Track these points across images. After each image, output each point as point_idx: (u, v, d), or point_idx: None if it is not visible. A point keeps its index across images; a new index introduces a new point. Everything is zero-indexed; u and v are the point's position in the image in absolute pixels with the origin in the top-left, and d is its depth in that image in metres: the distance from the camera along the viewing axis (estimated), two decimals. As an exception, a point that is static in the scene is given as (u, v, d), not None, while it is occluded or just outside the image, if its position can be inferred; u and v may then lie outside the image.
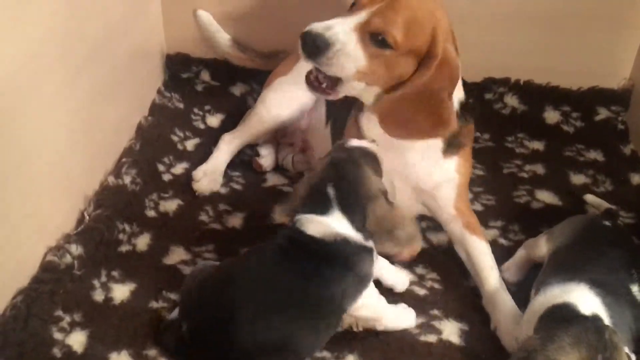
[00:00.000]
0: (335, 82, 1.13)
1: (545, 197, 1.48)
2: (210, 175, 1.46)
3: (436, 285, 1.23)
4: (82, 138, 1.30)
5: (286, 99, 1.49)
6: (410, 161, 1.21)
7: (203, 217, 1.38)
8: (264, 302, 0.98)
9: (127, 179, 1.39)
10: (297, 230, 1.01)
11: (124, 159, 1.45)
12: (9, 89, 1.03)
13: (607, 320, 0.95)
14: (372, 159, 1.06)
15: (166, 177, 1.48)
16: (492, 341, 1.13)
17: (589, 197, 1.41)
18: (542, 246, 1.19)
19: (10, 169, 1.06)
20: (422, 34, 1.09)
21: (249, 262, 1.05)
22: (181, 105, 1.71)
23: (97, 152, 1.38)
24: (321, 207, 1.01)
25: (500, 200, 1.46)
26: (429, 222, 1.36)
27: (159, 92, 1.72)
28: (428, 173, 1.22)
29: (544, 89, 1.72)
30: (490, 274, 1.20)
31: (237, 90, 1.76)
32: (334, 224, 1.00)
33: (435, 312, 1.18)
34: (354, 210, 1.01)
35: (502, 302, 1.15)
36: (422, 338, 1.12)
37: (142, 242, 1.29)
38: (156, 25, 1.73)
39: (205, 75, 1.78)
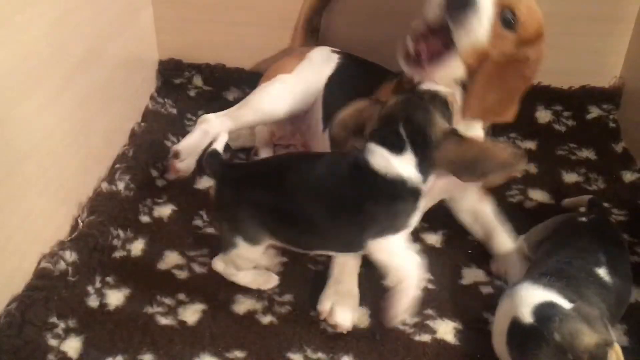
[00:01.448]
0: (439, 55, 1.11)
1: (538, 196, 1.48)
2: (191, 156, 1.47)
3: (430, 285, 1.24)
4: (75, 144, 1.30)
5: (283, 97, 1.47)
6: None
7: (197, 222, 1.38)
8: (316, 190, 1.06)
9: (121, 185, 1.39)
10: (363, 158, 1.05)
11: (117, 165, 1.45)
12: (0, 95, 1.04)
13: (558, 298, 0.98)
14: (441, 102, 1.08)
15: (160, 183, 1.48)
16: (487, 340, 1.13)
17: (566, 202, 1.42)
18: (523, 247, 1.25)
19: (2, 176, 1.06)
20: (536, 25, 1.15)
21: (310, 164, 1.10)
22: (174, 111, 1.71)
23: (90, 159, 1.39)
24: (394, 144, 1.04)
25: (494, 200, 1.45)
26: (423, 223, 1.36)
27: (152, 98, 1.72)
28: None
29: (535, 89, 1.72)
30: (503, 229, 1.29)
31: (230, 95, 1.77)
32: (400, 164, 1.04)
33: (430, 311, 1.18)
34: (424, 153, 1.04)
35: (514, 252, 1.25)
36: (417, 338, 1.13)
37: (137, 247, 1.30)
38: (148, 31, 1.73)
39: (198, 81, 1.78)
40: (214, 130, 1.45)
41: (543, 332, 0.93)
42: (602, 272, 1.06)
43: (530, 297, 0.99)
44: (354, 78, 1.46)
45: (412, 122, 1.04)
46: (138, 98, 1.68)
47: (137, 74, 1.68)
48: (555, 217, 1.26)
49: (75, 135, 1.30)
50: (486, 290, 1.23)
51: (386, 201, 1.04)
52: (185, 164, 1.47)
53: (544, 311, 0.96)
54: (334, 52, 1.54)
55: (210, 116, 1.49)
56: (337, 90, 1.46)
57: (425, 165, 1.04)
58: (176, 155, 1.45)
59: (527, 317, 0.96)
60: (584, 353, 0.89)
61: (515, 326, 0.98)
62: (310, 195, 1.06)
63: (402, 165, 1.04)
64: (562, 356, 0.91)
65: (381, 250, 1.05)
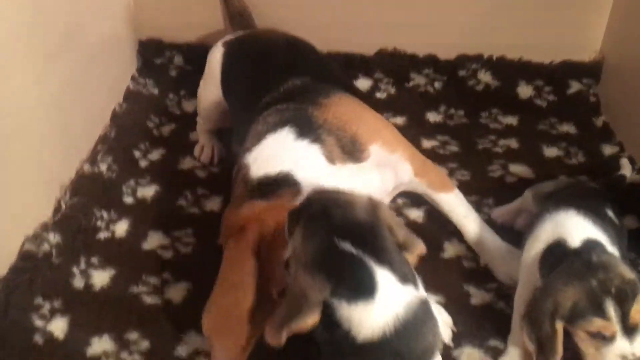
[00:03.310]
0: None
1: (519, 170, 1.50)
2: None
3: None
4: (56, 127, 1.29)
5: (208, 98, 1.50)
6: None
7: (181, 202, 1.38)
8: None
9: (103, 167, 1.39)
10: None
11: (99, 147, 1.45)
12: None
13: (601, 236, 0.99)
14: None
15: (143, 164, 1.48)
16: (469, 314, 1.15)
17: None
18: (528, 197, 1.25)
19: (-18, 159, 1.06)
20: None
21: None
22: (156, 91, 1.70)
23: (72, 141, 1.38)
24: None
25: (475, 175, 1.47)
26: (404, 199, 1.38)
27: (132, 78, 1.71)
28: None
29: (517, 64, 1.74)
30: (467, 222, 1.25)
31: (212, 74, 1.76)
32: None
33: (413, 286, 1.20)
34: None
35: (488, 242, 1.22)
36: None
37: (121, 228, 1.30)
38: (127, 11, 1.71)
39: (179, 60, 1.77)
40: None
41: (583, 253, 0.94)
42: (611, 213, 1.10)
43: (582, 228, 1.01)
44: (239, 70, 1.43)
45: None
46: (119, 79, 1.66)
47: (117, 55, 1.66)
48: (564, 178, 1.30)
49: (56, 117, 1.30)
50: (468, 264, 1.25)
51: None
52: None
53: (591, 244, 0.98)
54: (223, 43, 1.49)
55: None
56: (229, 86, 1.44)
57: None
58: None
59: (575, 242, 0.98)
60: (617, 277, 0.89)
61: (557, 247, 0.99)
62: None
63: None
64: (592, 274, 0.89)
65: None
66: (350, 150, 1.10)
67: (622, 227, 1.13)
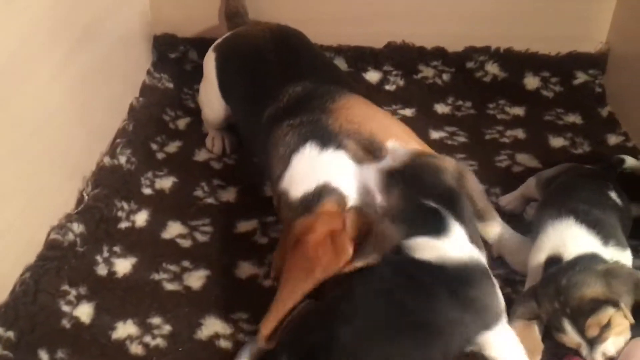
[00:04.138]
0: None
1: (526, 160, 1.53)
2: None
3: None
4: (77, 121, 1.34)
5: (211, 106, 1.54)
6: None
7: (198, 193, 1.43)
8: None
9: (122, 159, 1.44)
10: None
11: (118, 140, 1.49)
12: (4, 76, 1.07)
13: (597, 241, 1.05)
14: None
15: (160, 156, 1.52)
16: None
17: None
18: (531, 186, 1.30)
19: (12, 154, 1.11)
20: None
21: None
22: (171, 85, 1.75)
23: (93, 134, 1.43)
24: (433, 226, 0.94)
25: (482, 165, 1.51)
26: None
27: (148, 73, 1.76)
28: None
29: (524, 56, 1.77)
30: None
31: (225, 68, 1.80)
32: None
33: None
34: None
35: (502, 234, 1.21)
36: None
37: (141, 218, 1.35)
38: (143, 6, 1.76)
39: (193, 55, 1.81)
40: None
41: (559, 274, 1.01)
42: (613, 195, 1.16)
43: (577, 242, 1.05)
44: (234, 77, 1.44)
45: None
46: (135, 73, 1.71)
47: (134, 50, 1.71)
48: (564, 164, 1.33)
49: (77, 111, 1.34)
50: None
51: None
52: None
53: (581, 260, 1.02)
54: (214, 48, 1.51)
55: None
56: (228, 92, 1.46)
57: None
58: None
59: (570, 256, 1.04)
60: (574, 300, 0.97)
61: (555, 260, 1.05)
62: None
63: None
64: (556, 297, 0.99)
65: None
66: (371, 150, 1.11)
67: (627, 206, 1.17)
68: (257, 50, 1.42)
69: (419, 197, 0.96)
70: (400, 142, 1.13)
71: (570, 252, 1.04)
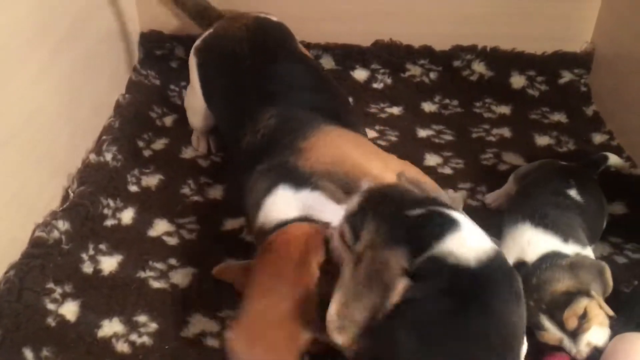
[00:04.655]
0: None
1: (512, 159, 1.55)
2: None
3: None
4: (63, 117, 1.33)
5: (195, 111, 1.53)
6: None
7: (185, 190, 1.42)
8: None
9: (109, 156, 1.43)
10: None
11: (104, 137, 1.48)
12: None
13: (557, 239, 1.07)
14: None
15: (146, 153, 1.52)
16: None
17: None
18: (511, 181, 1.33)
19: (-4, 150, 1.10)
20: None
21: None
22: (157, 82, 1.74)
23: (78, 131, 1.42)
24: None
25: (468, 163, 1.52)
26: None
27: (134, 69, 1.75)
28: None
29: (510, 55, 1.78)
30: None
31: (212, 65, 1.80)
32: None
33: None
34: None
35: None
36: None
37: (127, 216, 1.34)
38: (130, 3, 1.74)
39: (180, 51, 1.80)
40: None
41: (529, 274, 1.03)
42: (573, 193, 1.17)
43: (537, 244, 1.07)
44: (213, 86, 1.40)
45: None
46: (121, 70, 1.70)
47: (120, 46, 1.70)
48: (541, 160, 1.36)
49: (63, 108, 1.34)
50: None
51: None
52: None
53: (545, 259, 1.04)
54: (195, 51, 1.47)
55: None
56: (210, 100, 1.43)
57: None
58: None
59: (532, 259, 1.05)
60: (548, 295, 0.99)
61: (520, 266, 1.06)
62: None
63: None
64: (530, 296, 1.00)
65: None
66: (349, 189, 1.05)
67: (596, 203, 1.18)
68: (234, 57, 1.36)
69: (401, 212, 0.84)
70: (375, 179, 1.03)
71: (531, 256, 1.06)
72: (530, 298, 1.00)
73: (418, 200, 0.86)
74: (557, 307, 0.98)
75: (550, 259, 1.04)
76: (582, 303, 0.98)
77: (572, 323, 0.98)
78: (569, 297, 0.99)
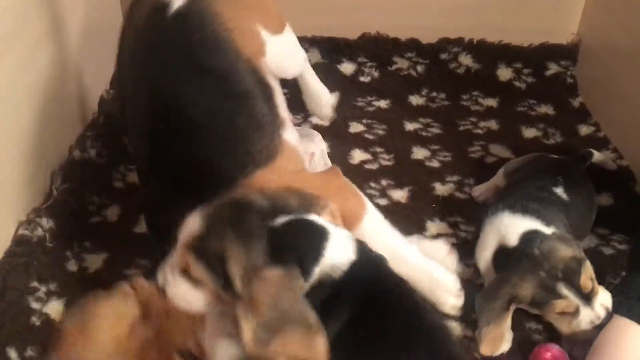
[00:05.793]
0: None
1: (499, 151, 1.55)
2: None
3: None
4: (45, 113, 1.31)
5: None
6: None
7: (171, 186, 1.41)
8: None
9: (93, 152, 1.42)
10: None
11: (88, 133, 1.46)
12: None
13: (538, 222, 1.08)
14: None
15: (131, 149, 1.50)
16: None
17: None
18: (500, 175, 1.34)
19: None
20: None
21: None
22: (142, 77, 1.72)
23: (61, 127, 1.40)
24: None
25: (456, 156, 1.52)
26: (390, 180, 1.42)
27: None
28: None
29: (497, 47, 1.78)
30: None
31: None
32: None
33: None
34: None
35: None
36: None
37: (112, 212, 1.33)
38: (112, -3, 1.73)
39: (165, 46, 1.78)
40: None
41: (525, 250, 1.04)
42: (559, 191, 1.18)
43: (515, 226, 1.08)
44: None
45: None
46: (105, 65, 1.67)
47: (103, 41, 1.67)
48: (532, 154, 1.36)
49: (44, 103, 1.31)
50: (449, 241, 1.29)
51: None
52: None
53: (528, 236, 1.06)
54: None
55: None
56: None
57: None
58: None
59: (513, 241, 1.07)
60: (560, 262, 1.00)
61: (502, 251, 1.08)
62: None
63: None
64: (539, 267, 1.01)
65: None
66: None
67: (576, 202, 1.19)
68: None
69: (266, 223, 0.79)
70: None
71: (512, 237, 1.07)
72: (540, 269, 1.00)
73: (275, 207, 0.81)
74: (574, 273, 0.99)
75: (534, 235, 1.05)
76: (590, 266, 1.01)
77: (588, 285, 0.99)
78: (579, 262, 1.00)
